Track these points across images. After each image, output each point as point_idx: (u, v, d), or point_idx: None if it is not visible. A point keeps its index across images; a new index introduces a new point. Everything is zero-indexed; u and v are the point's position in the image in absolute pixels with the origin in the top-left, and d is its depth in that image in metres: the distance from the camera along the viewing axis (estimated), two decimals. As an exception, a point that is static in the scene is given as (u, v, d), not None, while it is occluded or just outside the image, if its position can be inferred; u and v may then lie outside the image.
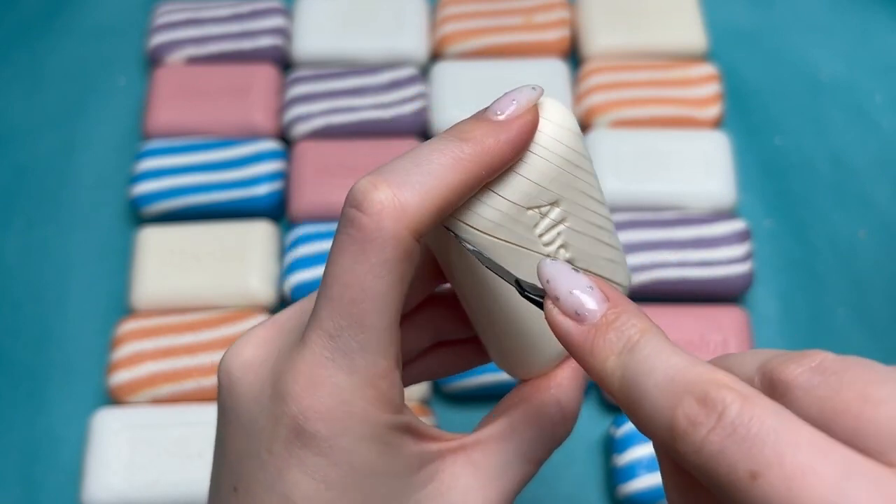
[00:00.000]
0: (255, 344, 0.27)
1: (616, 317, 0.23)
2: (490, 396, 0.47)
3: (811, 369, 0.21)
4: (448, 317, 0.31)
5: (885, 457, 0.19)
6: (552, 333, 0.24)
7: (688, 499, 0.24)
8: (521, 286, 0.25)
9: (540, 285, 0.24)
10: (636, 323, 0.22)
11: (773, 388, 0.21)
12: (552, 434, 0.29)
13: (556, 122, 0.27)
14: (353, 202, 0.24)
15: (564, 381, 0.29)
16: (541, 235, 0.27)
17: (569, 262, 0.27)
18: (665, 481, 0.25)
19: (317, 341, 0.25)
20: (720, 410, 0.19)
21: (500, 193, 0.26)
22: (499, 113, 0.25)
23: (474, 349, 0.31)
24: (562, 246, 0.28)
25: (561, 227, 0.27)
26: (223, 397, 0.27)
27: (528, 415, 0.29)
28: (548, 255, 0.27)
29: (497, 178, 0.26)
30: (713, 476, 0.19)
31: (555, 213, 0.27)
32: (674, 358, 0.21)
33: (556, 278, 0.23)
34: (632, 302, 0.23)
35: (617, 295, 0.23)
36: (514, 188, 0.26)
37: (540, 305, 0.24)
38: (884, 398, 0.19)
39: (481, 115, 0.26)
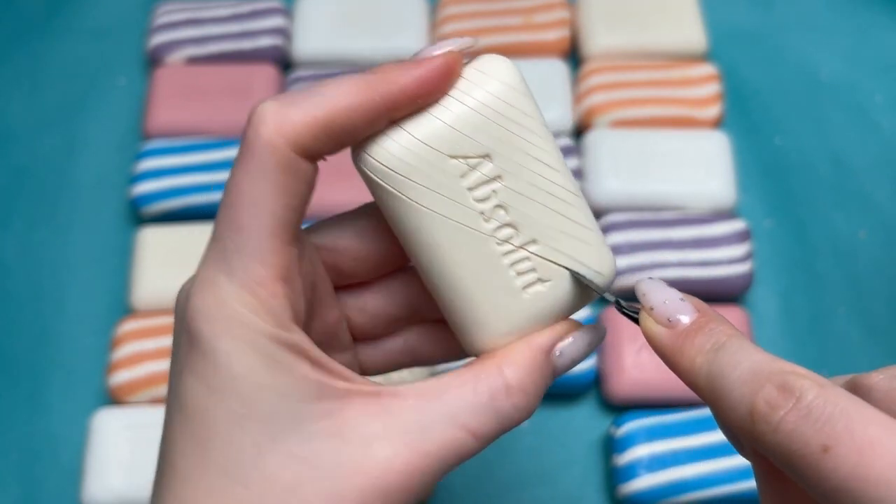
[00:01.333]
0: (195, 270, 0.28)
1: (705, 323, 0.25)
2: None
3: (892, 376, 0.23)
4: (421, 287, 0.30)
5: None
6: (504, 305, 0.26)
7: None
8: (620, 305, 0.26)
9: (636, 303, 0.26)
10: (724, 329, 0.24)
11: (856, 391, 0.23)
12: (490, 404, 0.26)
13: (495, 77, 0.27)
14: (247, 120, 0.26)
15: (515, 354, 0.27)
16: (471, 189, 0.27)
17: (509, 225, 0.27)
18: (760, 489, 0.26)
19: (210, 245, 0.26)
20: (798, 395, 0.21)
21: (407, 129, 0.26)
22: (420, 56, 0.26)
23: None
24: (499, 206, 0.27)
25: (496, 185, 0.27)
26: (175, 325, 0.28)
27: (464, 378, 0.26)
28: (480, 212, 0.27)
29: (412, 119, 0.26)
30: (787, 453, 0.21)
31: (487, 167, 0.27)
32: (757, 355, 0.23)
33: (652, 291, 0.26)
34: (719, 313, 0.25)
35: (706, 307, 0.25)
36: (426, 128, 0.26)
37: (636, 321, 0.26)
38: None
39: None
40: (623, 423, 0.45)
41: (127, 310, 0.50)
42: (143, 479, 0.44)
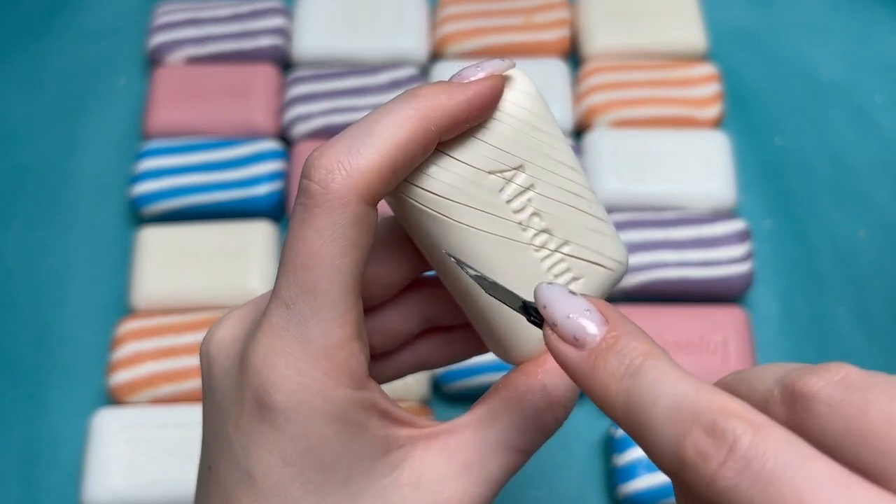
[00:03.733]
0: (230, 323, 0.27)
1: (616, 340, 0.22)
2: (490, 396, 0.47)
3: (834, 383, 0.20)
4: (436, 300, 0.30)
5: None
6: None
7: None
8: (527, 311, 0.24)
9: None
10: (637, 346, 0.21)
11: (795, 402, 0.20)
12: (537, 421, 0.27)
13: (516, 88, 0.27)
14: (304, 171, 0.24)
15: (554, 365, 0.27)
16: (509, 202, 0.27)
17: (545, 231, 0.27)
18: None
19: (274, 311, 0.25)
20: (731, 442, 0.19)
21: (454, 156, 0.26)
22: (462, 78, 0.26)
23: (467, 336, 0.30)
24: (535, 213, 0.27)
25: (530, 194, 0.27)
26: (203, 379, 0.27)
27: (510, 400, 0.27)
28: (519, 223, 0.27)
29: (451, 141, 0.26)
30: None
31: (521, 178, 0.27)
32: (679, 383, 0.20)
33: (553, 303, 0.23)
34: (632, 322, 0.22)
35: (616, 316, 0.22)
36: (472, 151, 0.26)
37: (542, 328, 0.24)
38: None
39: (443, 80, 0.26)
40: (623, 423, 0.45)
41: (127, 310, 0.50)
42: (144, 478, 0.44)
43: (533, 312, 0.23)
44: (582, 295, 0.23)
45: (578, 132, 0.55)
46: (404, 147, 0.24)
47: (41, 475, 0.47)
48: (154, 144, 0.53)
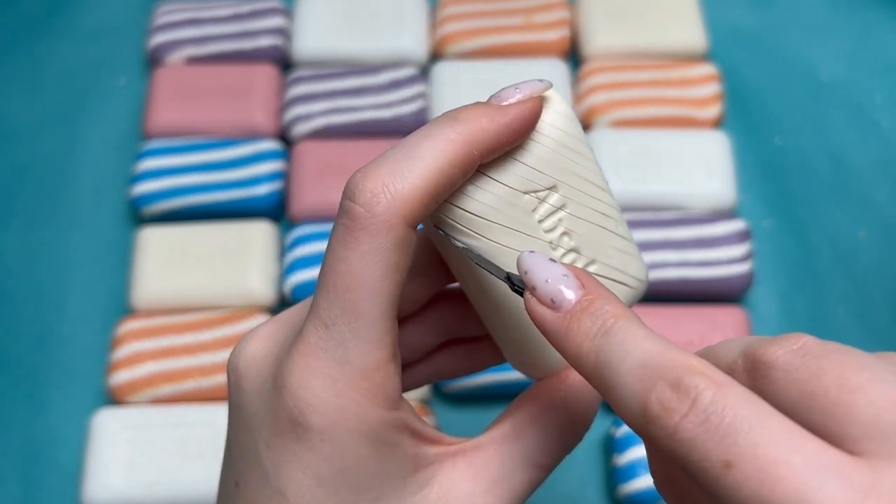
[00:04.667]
0: (260, 339, 0.27)
1: (590, 303, 0.23)
2: (491, 397, 0.47)
3: (792, 351, 0.21)
4: (458, 314, 0.31)
5: (858, 445, 0.19)
6: None
7: (674, 488, 0.24)
8: (511, 281, 0.25)
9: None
10: (610, 308, 0.23)
11: (755, 370, 0.21)
12: (560, 438, 0.28)
13: (552, 108, 0.27)
14: (347, 193, 0.24)
15: (576, 381, 0.28)
16: (541, 221, 0.27)
17: (573, 250, 0.27)
18: (651, 465, 0.25)
19: (313, 331, 0.25)
20: (693, 397, 0.20)
21: (495, 177, 0.26)
22: (501, 100, 0.26)
23: (486, 348, 0.31)
24: (564, 233, 0.27)
25: (561, 214, 0.27)
26: (231, 394, 0.27)
27: (534, 417, 0.28)
28: (549, 242, 0.27)
29: (491, 162, 0.26)
30: (686, 462, 0.20)
31: (553, 198, 0.27)
32: (647, 342, 0.21)
33: (533, 269, 0.24)
34: (607, 288, 0.24)
35: (592, 282, 0.24)
36: (510, 172, 0.26)
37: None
38: (861, 384, 0.20)
39: (482, 102, 0.26)
40: (623, 423, 0.45)
41: (127, 310, 0.50)
42: (143, 478, 0.44)
43: (517, 282, 0.25)
44: (560, 263, 0.24)
45: (578, 132, 0.55)
46: (447, 172, 0.24)
47: (41, 475, 0.47)
48: (154, 144, 0.53)
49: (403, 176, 0.24)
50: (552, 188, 0.27)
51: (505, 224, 0.26)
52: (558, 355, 0.27)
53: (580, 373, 0.23)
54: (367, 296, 0.24)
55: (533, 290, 0.24)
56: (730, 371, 0.22)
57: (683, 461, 0.20)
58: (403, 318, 0.30)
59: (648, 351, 0.21)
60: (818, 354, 0.21)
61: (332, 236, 0.25)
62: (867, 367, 0.20)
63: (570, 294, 0.23)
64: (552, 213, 0.27)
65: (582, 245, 0.28)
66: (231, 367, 0.27)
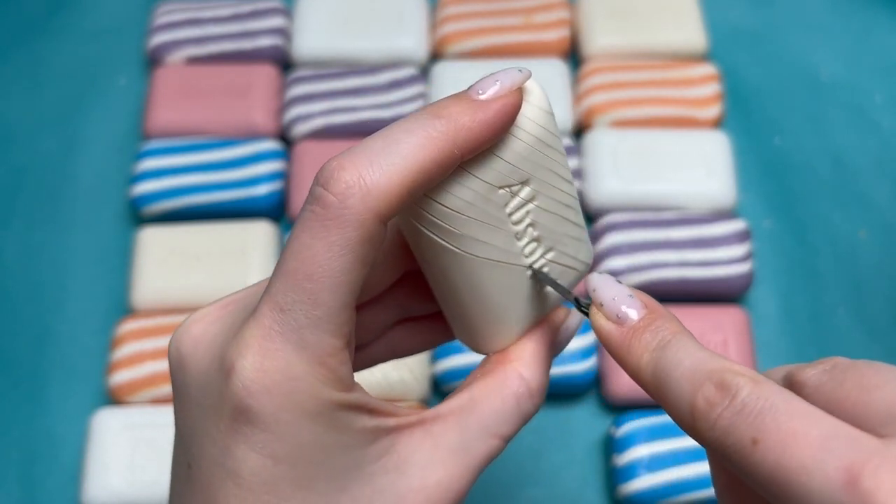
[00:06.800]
0: (207, 321, 0.27)
1: (652, 320, 0.25)
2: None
3: (822, 370, 0.24)
4: (413, 294, 0.31)
5: (876, 432, 0.21)
6: (517, 308, 0.28)
7: (733, 495, 0.26)
8: (578, 302, 0.27)
9: (586, 298, 0.27)
10: (669, 326, 0.25)
11: (792, 388, 0.24)
12: (517, 407, 0.28)
13: (533, 103, 0.27)
14: (320, 180, 0.24)
15: (527, 354, 0.29)
16: (510, 214, 0.27)
17: (535, 239, 0.28)
18: (712, 471, 0.27)
19: (268, 314, 0.24)
20: (733, 392, 0.22)
21: (474, 173, 0.26)
22: (480, 93, 0.25)
23: (437, 325, 0.31)
24: (530, 224, 0.28)
25: (530, 206, 0.27)
26: (174, 375, 0.27)
27: (490, 388, 0.28)
28: (515, 233, 0.27)
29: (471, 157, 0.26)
30: (722, 447, 0.22)
31: (525, 192, 0.27)
32: (699, 353, 0.24)
33: (601, 288, 0.27)
34: (666, 309, 0.26)
35: (653, 302, 0.26)
36: (490, 168, 0.26)
37: (587, 315, 0.27)
38: (878, 384, 0.22)
39: (462, 94, 0.26)
40: (623, 423, 0.45)
41: (127, 310, 0.50)
42: (144, 478, 0.44)
43: (584, 303, 0.27)
44: (625, 284, 0.27)
45: (578, 132, 0.55)
46: (427, 170, 0.24)
47: (41, 475, 0.47)
48: (154, 144, 0.53)
49: (381, 170, 0.24)
50: (525, 182, 0.27)
51: (478, 218, 0.26)
52: (511, 333, 0.29)
53: (638, 381, 0.25)
54: (329, 287, 0.24)
55: (600, 307, 0.26)
56: None
57: (721, 448, 0.22)
58: (363, 301, 0.30)
59: (698, 358, 0.24)
60: (844, 368, 0.24)
61: (300, 222, 0.24)
62: (884, 371, 0.23)
63: (634, 310, 0.26)
64: (522, 205, 0.27)
65: (544, 235, 0.28)
66: (174, 349, 0.27)
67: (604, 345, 0.26)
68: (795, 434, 0.21)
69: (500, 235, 0.27)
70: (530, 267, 0.28)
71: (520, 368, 0.29)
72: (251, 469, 0.25)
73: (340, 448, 0.25)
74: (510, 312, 0.29)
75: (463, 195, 0.26)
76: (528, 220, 0.28)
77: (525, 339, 0.30)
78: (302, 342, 0.24)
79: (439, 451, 0.27)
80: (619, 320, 0.26)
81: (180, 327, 0.27)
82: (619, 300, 0.26)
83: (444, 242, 0.26)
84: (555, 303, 0.30)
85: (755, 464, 0.21)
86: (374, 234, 0.24)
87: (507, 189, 0.27)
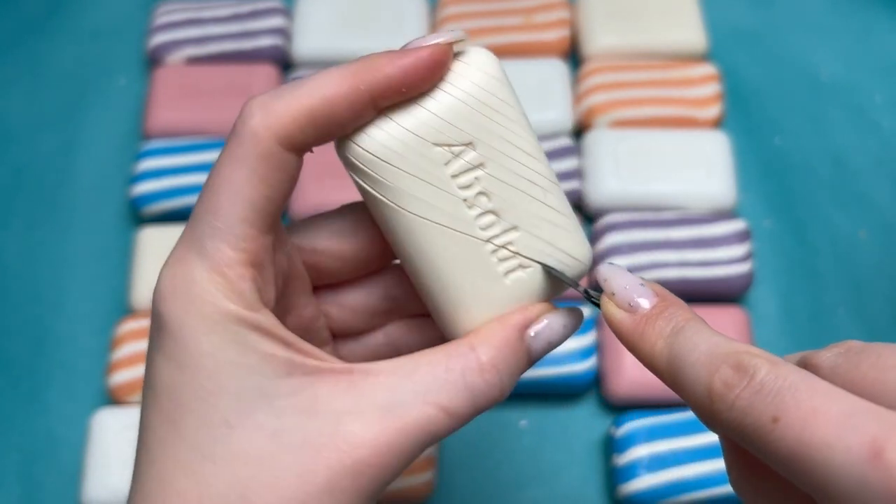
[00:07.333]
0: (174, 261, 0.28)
1: (665, 308, 0.26)
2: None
3: (837, 353, 0.24)
4: (401, 283, 0.31)
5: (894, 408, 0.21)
6: (481, 289, 0.27)
7: (750, 482, 0.26)
8: (588, 293, 0.27)
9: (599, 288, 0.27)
10: (681, 313, 0.25)
11: (806, 369, 0.24)
12: (462, 380, 0.26)
13: (479, 68, 0.27)
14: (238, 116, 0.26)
15: (487, 332, 0.28)
16: (454, 176, 0.27)
17: (492, 212, 0.28)
18: (726, 461, 0.27)
19: (186, 226, 0.27)
20: (751, 373, 0.22)
21: (394, 119, 0.27)
22: (409, 45, 0.27)
23: (433, 322, 0.31)
24: (482, 193, 0.28)
25: (479, 173, 0.27)
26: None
27: (435, 357, 0.27)
28: (463, 199, 0.27)
29: (398, 108, 0.27)
30: (741, 427, 0.22)
31: (470, 155, 0.27)
32: (713, 337, 0.24)
33: (613, 277, 0.27)
34: (678, 298, 0.26)
35: (665, 292, 0.26)
36: (413, 118, 0.27)
37: (598, 305, 0.27)
38: (894, 364, 0.23)
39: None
40: (623, 423, 0.45)
41: (127, 310, 0.50)
42: (143, 479, 0.44)
43: (594, 294, 0.27)
44: (636, 275, 0.27)
45: (578, 132, 0.55)
46: (328, 99, 0.26)
47: (41, 475, 0.47)
48: (154, 144, 0.53)
49: (281, 98, 0.26)
50: (468, 144, 0.27)
51: (411, 172, 0.27)
52: (476, 318, 0.28)
53: (652, 369, 0.25)
54: (227, 196, 0.26)
55: (612, 296, 0.26)
56: None
57: (740, 429, 0.22)
58: (347, 281, 0.31)
59: (714, 342, 0.24)
60: (858, 350, 0.24)
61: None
62: None
63: (646, 299, 0.26)
64: (468, 169, 0.27)
65: (503, 209, 0.28)
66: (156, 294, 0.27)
67: (616, 334, 0.26)
68: (816, 411, 0.21)
69: (443, 197, 0.27)
70: (489, 241, 0.28)
71: (473, 341, 0.27)
72: (161, 378, 0.26)
73: (245, 369, 0.25)
74: (472, 292, 0.28)
75: (385, 141, 0.27)
76: (478, 188, 0.28)
77: (494, 321, 0.28)
78: (202, 250, 0.26)
79: (363, 405, 0.25)
80: (631, 309, 0.26)
81: (160, 274, 0.28)
82: (631, 289, 0.26)
83: (379, 196, 0.27)
84: (540, 294, 0.29)
85: (776, 441, 0.21)
86: (273, 153, 0.26)
87: (447, 148, 0.27)
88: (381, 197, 0.27)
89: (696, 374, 0.23)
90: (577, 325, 0.29)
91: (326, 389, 0.26)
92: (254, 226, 0.26)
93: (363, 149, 0.27)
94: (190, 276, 0.26)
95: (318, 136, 0.27)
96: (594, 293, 0.27)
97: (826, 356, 0.24)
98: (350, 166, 0.28)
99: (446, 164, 0.27)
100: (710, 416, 0.23)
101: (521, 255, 0.28)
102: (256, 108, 0.26)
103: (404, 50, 0.26)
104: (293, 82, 0.27)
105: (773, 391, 0.22)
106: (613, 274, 0.27)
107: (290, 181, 0.27)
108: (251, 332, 0.26)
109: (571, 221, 0.29)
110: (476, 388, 0.27)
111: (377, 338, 0.32)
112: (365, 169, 0.27)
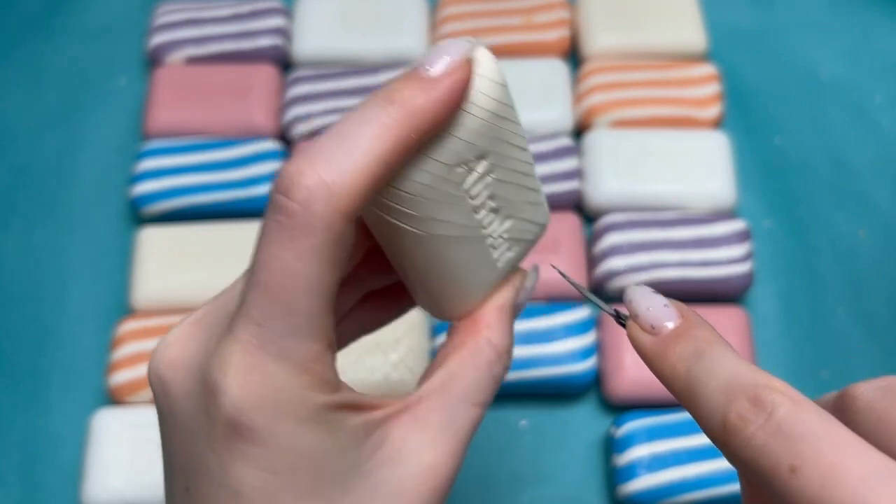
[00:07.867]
0: (181, 343, 0.27)
1: (687, 329, 0.25)
2: (499, 396, 0.47)
3: (877, 387, 0.23)
4: (375, 270, 0.31)
5: None
6: (479, 277, 0.29)
7: None
8: (618, 315, 0.28)
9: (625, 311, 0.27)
10: (705, 335, 0.25)
11: (842, 402, 0.23)
12: (490, 374, 0.29)
13: (485, 76, 0.26)
14: (280, 188, 0.23)
15: (492, 320, 0.30)
16: (468, 189, 0.27)
17: (493, 210, 0.28)
18: (743, 492, 0.26)
19: (244, 329, 0.24)
20: (769, 410, 0.21)
21: (431, 156, 0.25)
22: (429, 68, 0.25)
23: (400, 295, 0.31)
24: (489, 197, 0.28)
25: (488, 179, 0.27)
26: (159, 402, 0.27)
27: (465, 360, 0.29)
28: (473, 207, 0.27)
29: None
30: (757, 468, 0.21)
31: (482, 166, 0.27)
32: (734, 365, 0.23)
33: (637, 299, 0.26)
34: (703, 318, 0.26)
35: (689, 312, 0.26)
36: (446, 149, 0.26)
37: (625, 326, 0.27)
38: None
39: (411, 72, 0.25)
40: (623, 423, 0.45)
41: (127, 310, 0.50)
42: (144, 479, 0.44)
43: (623, 316, 0.27)
44: (662, 295, 0.27)
45: (578, 132, 0.55)
46: (387, 161, 0.24)
47: (41, 475, 0.47)
48: (154, 144, 0.53)
49: (341, 169, 0.23)
50: (481, 157, 0.27)
51: (437, 199, 0.26)
52: (473, 300, 0.29)
53: (671, 391, 0.25)
54: (305, 293, 0.24)
55: (635, 318, 0.26)
56: (822, 405, 0.23)
57: (755, 468, 0.21)
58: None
59: (734, 371, 0.23)
60: None
61: (265, 233, 0.24)
62: None
63: (668, 320, 0.26)
64: (479, 180, 0.27)
65: (503, 205, 0.28)
66: (153, 375, 0.27)
67: (640, 355, 0.26)
68: (837, 466, 0.20)
69: (458, 212, 0.27)
70: (489, 235, 0.29)
71: (489, 335, 0.29)
72: (252, 485, 0.24)
73: (337, 450, 0.25)
74: (472, 281, 0.29)
75: (421, 179, 0.25)
76: (486, 194, 0.28)
77: (489, 303, 0.30)
78: (283, 352, 0.24)
79: (428, 433, 0.27)
80: (655, 330, 0.26)
81: (155, 354, 0.27)
82: (654, 310, 0.26)
83: (405, 226, 0.26)
84: (514, 265, 0.31)
85: (793, 492, 0.20)
86: (343, 234, 0.24)
87: (465, 166, 0.26)
88: (404, 226, 0.26)
89: (713, 403, 0.23)
90: (537, 279, 0.32)
91: (397, 433, 0.27)
92: (330, 310, 0.25)
93: (405, 192, 0.25)
94: (273, 383, 0.24)
95: (374, 195, 0.25)
96: (623, 315, 0.27)
97: (865, 389, 0.23)
98: (383, 208, 0.26)
99: (463, 181, 0.27)
100: (724, 449, 0.23)
101: (514, 229, 0.29)
102: (317, 188, 0.23)
103: (433, 81, 0.25)
104: (334, 142, 0.24)
105: (793, 436, 0.21)
106: (638, 296, 0.26)
107: (350, 248, 0.25)
108: (337, 414, 0.25)
109: (540, 193, 0.30)
110: (499, 375, 0.29)
111: (347, 326, 0.32)
112: (400, 208, 0.26)
